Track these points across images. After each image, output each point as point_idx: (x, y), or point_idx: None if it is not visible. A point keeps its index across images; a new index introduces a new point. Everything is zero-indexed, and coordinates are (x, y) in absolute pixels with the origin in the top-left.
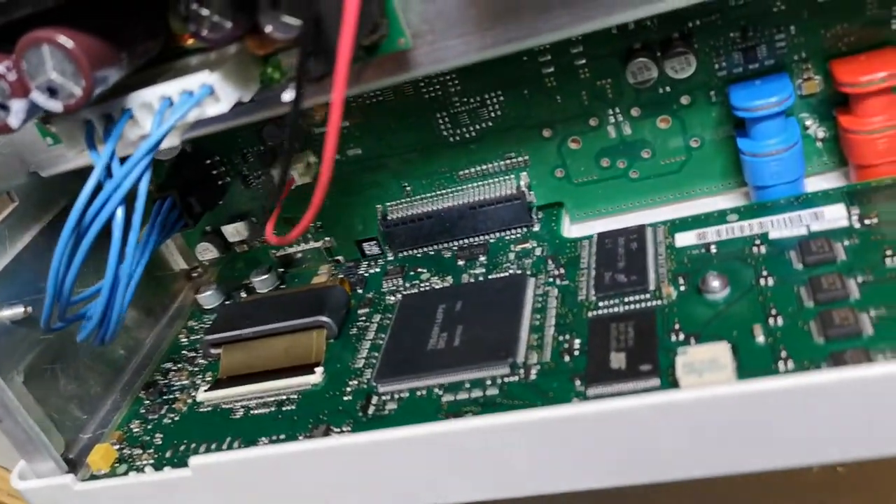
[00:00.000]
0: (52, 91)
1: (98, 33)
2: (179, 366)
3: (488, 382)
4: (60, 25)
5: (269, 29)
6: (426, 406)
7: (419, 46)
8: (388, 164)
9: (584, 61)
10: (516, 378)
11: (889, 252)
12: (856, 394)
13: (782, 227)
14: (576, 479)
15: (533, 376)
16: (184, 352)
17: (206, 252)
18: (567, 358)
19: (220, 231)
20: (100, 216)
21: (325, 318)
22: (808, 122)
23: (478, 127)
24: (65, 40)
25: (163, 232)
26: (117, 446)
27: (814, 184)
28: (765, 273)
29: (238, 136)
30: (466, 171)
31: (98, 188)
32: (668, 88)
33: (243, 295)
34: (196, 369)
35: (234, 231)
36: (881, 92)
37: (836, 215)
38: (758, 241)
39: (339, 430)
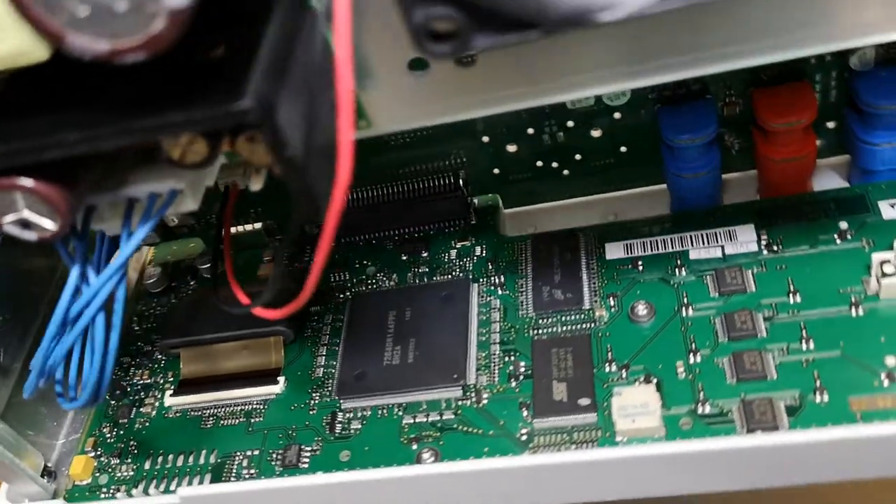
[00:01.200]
0: (25, 225)
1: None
2: (138, 360)
3: (443, 406)
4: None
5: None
6: (388, 426)
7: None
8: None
9: None
10: (468, 402)
11: (791, 287)
12: (764, 456)
13: (699, 245)
14: None
15: (484, 401)
16: (140, 343)
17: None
18: (514, 383)
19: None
20: (79, 322)
21: (281, 326)
22: (726, 137)
23: (416, 134)
24: (41, 187)
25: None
26: (93, 454)
27: (726, 181)
28: (685, 300)
29: None
30: (406, 169)
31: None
32: (601, 106)
33: (191, 282)
34: (156, 367)
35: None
36: (797, 131)
37: (746, 237)
38: (679, 261)
39: (309, 448)
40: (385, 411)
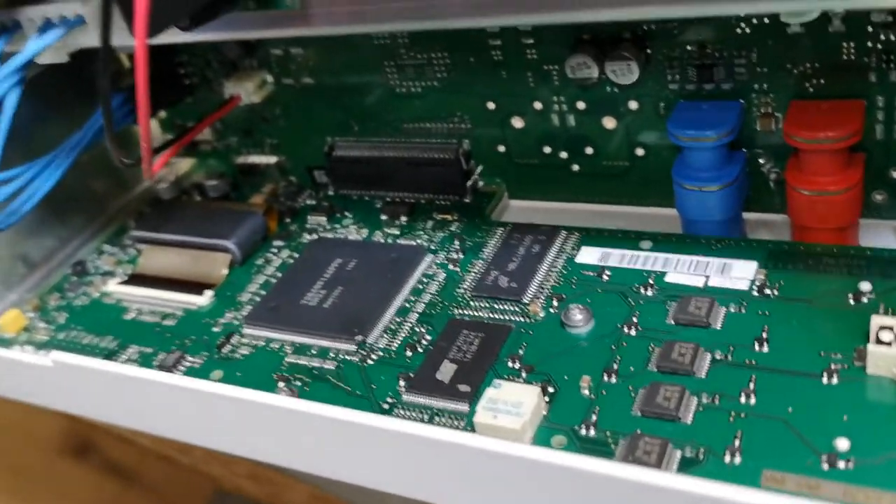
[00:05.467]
0: None
1: None
2: (114, 251)
3: (331, 355)
4: None
5: None
6: (270, 360)
7: (312, 6)
8: (340, 100)
9: (531, 41)
10: (356, 359)
11: (764, 335)
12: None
13: (683, 270)
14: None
15: (370, 362)
16: (124, 238)
17: None
18: (409, 353)
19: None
20: None
21: (230, 244)
22: (761, 160)
23: (424, 84)
24: None
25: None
26: (31, 314)
27: (757, 222)
28: (635, 320)
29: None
30: (411, 125)
31: None
32: (615, 89)
33: (197, 197)
34: (124, 257)
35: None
36: (829, 152)
37: (741, 273)
38: (651, 280)
39: (191, 359)
40: (276, 346)
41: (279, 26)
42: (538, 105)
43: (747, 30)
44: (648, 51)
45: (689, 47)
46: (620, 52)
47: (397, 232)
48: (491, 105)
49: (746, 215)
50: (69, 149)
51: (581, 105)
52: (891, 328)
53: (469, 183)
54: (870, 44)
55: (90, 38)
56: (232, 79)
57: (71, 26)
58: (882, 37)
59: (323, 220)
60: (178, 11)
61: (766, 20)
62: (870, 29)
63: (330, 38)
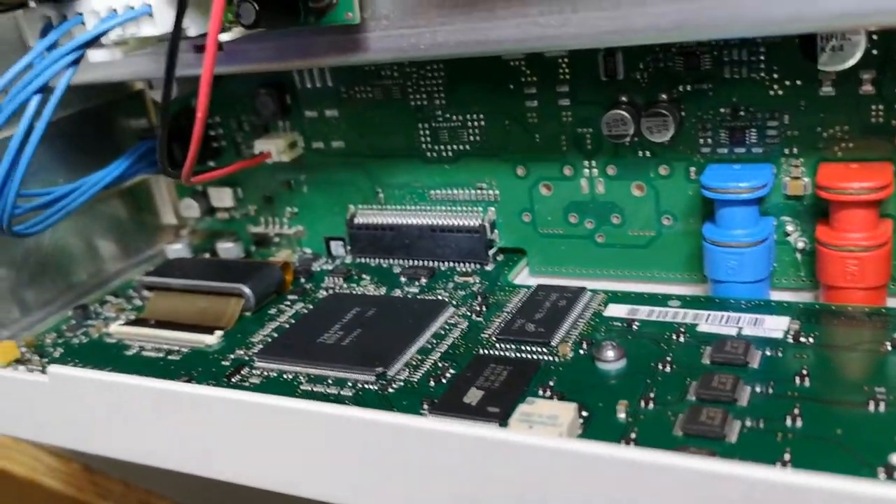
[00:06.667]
0: None
1: None
2: (118, 301)
3: (349, 384)
4: None
5: None
6: (283, 389)
7: (372, 29)
8: (367, 166)
9: (567, 102)
10: (375, 388)
11: (805, 372)
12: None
13: (715, 323)
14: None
15: (391, 390)
16: (130, 291)
17: (189, 209)
18: (432, 383)
19: (207, 193)
20: (18, 97)
21: (245, 288)
22: (789, 228)
23: (456, 148)
24: None
25: (132, 167)
26: (24, 349)
27: (780, 299)
28: (669, 359)
29: (237, 103)
30: (438, 192)
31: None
32: (647, 153)
33: (206, 256)
34: (129, 307)
35: (219, 196)
36: (861, 205)
37: (775, 325)
38: (682, 330)
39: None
40: (289, 376)
41: (338, 51)
42: (568, 170)
43: (780, 91)
44: (683, 113)
45: (722, 109)
46: (657, 109)
47: (416, 290)
48: (521, 170)
49: (771, 292)
50: (90, 185)
51: (611, 170)
52: None
53: (492, 251)
54: None
55: (154, 28)
56: (263, 138)
57: (136, 15)
58: None
59: (340, 280)
60: None
61: (799, 82)
62: None
63: (365, 99)
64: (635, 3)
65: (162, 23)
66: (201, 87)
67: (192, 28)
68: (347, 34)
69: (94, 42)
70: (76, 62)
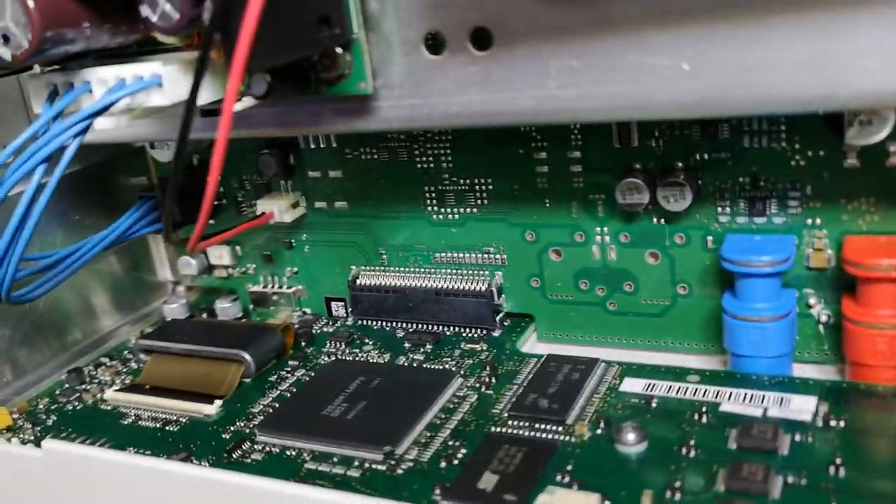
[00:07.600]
0: (5, 38)
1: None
2: (113, 363)
3: (356, 463)
4: None
5: (145, 13)
6: (287, 466)
7: (384, 98)
8: (370, 227)
9: (579, 168)
10: (383, 468)
11: (839, 461)
12: None
13: (738, 402)
14: None
15: (400, 471)
16: (125, 353)
17: (186, 267)
18: (443, 464)
19: (205, 251)
20: (23, 167)
21: (245, 355)
22: (811, 300)
23: (462, 211)
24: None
25: (132, 226)
26: (16, 416)
27: (802, 373)
28: (692, 443)
29: (240, 161)
30: (443, 255)
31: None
32: (662, 221)
33: (204, 317)
34: (124, 370)
35: (217, 253)
36: (892, 281)
37: (802, 407)
38: (705, 409)
39: (198, 462)
40: (293, 453)
41: (348, 120)
42: (579, 236)
43: (802, 162)
44: (700, 181)
45: (741, 178)
46: (673, 179)
47: (422, 358)
48: (529, 236)
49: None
50: (91, 246)
51: (624, 238)
52: None
53: (499, 317)
54: None
55: (164, 98)
56: (265, 198)
57: (146, 86)
58: None
59: (342, 345)
60: (268, 58)
61: (822, 152)
62: None
63: (370, 161)
64: (658, 79)
65: (172, 93)
66: (213, 165)
67: (201, 97)
68: (358, 102)
69: (102, 112)
70: (83, 132)
